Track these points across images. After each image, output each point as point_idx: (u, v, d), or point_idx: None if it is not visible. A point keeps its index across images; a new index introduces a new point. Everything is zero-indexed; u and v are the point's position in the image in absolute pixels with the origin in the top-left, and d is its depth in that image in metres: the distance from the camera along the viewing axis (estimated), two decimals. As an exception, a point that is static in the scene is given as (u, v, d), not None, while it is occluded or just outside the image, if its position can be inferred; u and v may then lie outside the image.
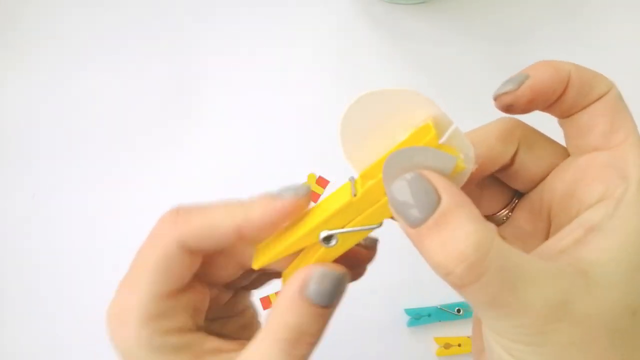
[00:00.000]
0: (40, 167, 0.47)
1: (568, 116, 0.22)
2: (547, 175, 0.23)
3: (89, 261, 0.44)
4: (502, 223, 0.25)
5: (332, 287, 0.20)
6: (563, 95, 0.21)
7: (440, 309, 0.42)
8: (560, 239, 0.20)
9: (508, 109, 0.22)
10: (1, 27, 0.51)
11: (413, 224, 0.18)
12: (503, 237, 0.25)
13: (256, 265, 0.22)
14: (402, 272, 0.42)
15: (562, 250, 0.19)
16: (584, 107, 0.21)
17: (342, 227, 0.21)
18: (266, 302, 0.42)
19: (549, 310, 0.17)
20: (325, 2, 0.50)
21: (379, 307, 0.42)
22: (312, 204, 0.22)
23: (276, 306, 0.21)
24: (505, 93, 0.21)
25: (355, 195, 0.20)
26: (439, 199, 0.17)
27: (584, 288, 0.18)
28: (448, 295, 0.42)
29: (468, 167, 0.20)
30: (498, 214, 0.25)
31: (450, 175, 0.19)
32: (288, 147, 0.46)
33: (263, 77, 0.48)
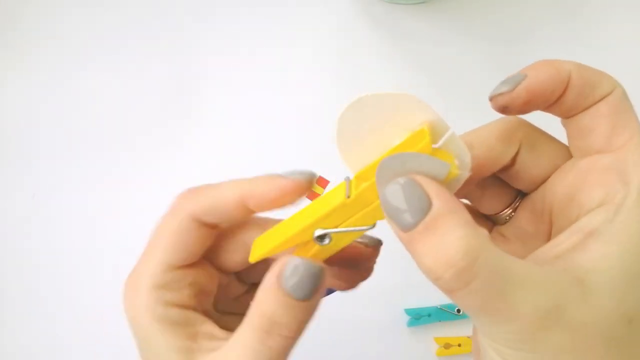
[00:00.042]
0: (40, 167, 0.47)
1: (570, 117, 0.21)
2: (550, 176, 0.23)
3: (89, 261, 0.44)
4: (505, 222, 0.25)
5: (306, 279, 0.20)
6: (563, 96, 0.20)
7: (440, 309, 0.42)
8: (558, 244, 0.20)
9: (504, 110, 0.21)
10: (1, 27, 0.51)
11: (405, 228, 0.18)
12: (504, 237, 0.25)
13: (252, 258, 0.23)
14: (402, 272, 0.42)
15: (559, 255, 0.19)
16: (586, 108, 0.20)
17: (336, 227, 0.21)
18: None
19: (539, 316, 0.17)
20: (325, 2, 0.50)
21: (379, 307, 0.42)
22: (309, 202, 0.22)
23: (256, 294, 0.21)
24: (501, 94, 0.21)
25: (349, 196, 0.20)
26: (430, 204, 0.17)
27: (579, 295, 0.17)
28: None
29: (463, 173, 0.19)
30: (501, 213, 0.25)
31: (444, 181, 0.19)
32: (288, 147, 0.46)
33: (263, 77, 0.48)
